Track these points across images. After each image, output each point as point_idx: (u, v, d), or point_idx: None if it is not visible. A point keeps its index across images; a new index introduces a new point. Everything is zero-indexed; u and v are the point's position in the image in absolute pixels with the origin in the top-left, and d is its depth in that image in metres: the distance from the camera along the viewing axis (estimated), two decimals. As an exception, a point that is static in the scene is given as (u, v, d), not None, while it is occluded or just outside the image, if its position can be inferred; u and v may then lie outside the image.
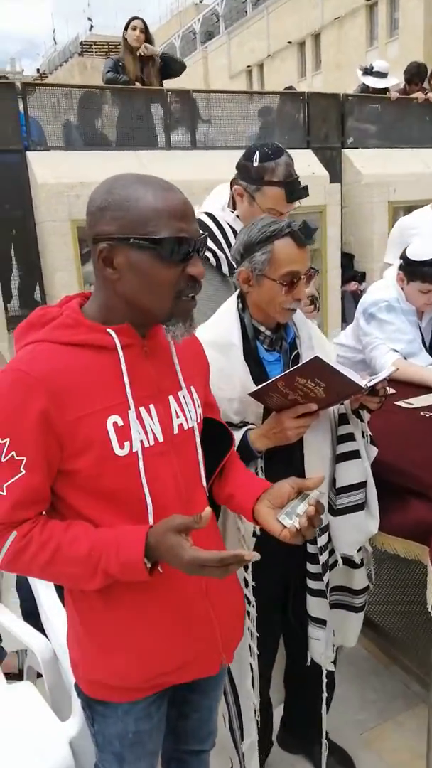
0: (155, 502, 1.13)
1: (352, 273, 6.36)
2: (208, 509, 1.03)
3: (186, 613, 1.20)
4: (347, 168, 6.48)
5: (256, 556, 1.04)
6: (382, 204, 6.18)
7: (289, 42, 25.64)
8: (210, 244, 2.02)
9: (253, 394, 1.44)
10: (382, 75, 6.67)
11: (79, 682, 1.27)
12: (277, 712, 2.01)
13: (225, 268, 2.05)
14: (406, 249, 2.51)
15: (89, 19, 35.60)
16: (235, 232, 2.06)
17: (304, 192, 1.99)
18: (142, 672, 1.19)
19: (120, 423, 1.10)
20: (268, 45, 26.71)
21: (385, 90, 6.74)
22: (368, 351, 2.54)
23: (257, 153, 1.96)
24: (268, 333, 1.57)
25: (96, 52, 31.28)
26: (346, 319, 6.07)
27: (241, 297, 1.60)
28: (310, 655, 1.72)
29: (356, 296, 5.76)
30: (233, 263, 1.58)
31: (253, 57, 27.84)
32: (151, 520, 1.12)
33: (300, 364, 1.34)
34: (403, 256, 2.49)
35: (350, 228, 6.46)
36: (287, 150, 2.02)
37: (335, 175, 6.34)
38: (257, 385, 1.45)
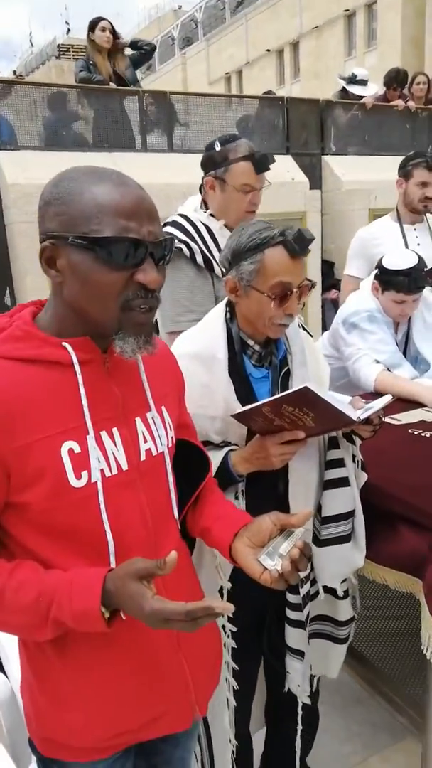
0: (118, 541, 0.98)
1: (333, 281, 6.28)
2: (173, 553, 0.88)
3: (154, 667, 1.06)
4: (327, 175, 6.42)
5: (230, 608, 0.90)
6: (363, 211, 6.11)
7: (268, 50, 25.74)
8: (183, 236, 2.04)
9: (237, 417, 1.31)
10: (363, 82, 6.65)
11: (33, 738, 1.12)
12: (258, 747, 1.87)
13: (199, 259, 2.05)
14: (381, 258, 2.46)
15: (66, 22, 35.60)
16: (209, 230, 2.07)
17: (269, 159, 2.05)
18: (103, 730, 1.05)
19: (77, 450, 0.95)
20: (247, 52, 26.78)
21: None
22: (351, 363, 2.46)
23: (217, 141, 2.08)
24: (256, 348, 1.43)
25: (73, 55, 31.08)
26: (326, 327, 5.98)
27: (230, 305, 1.46)
28: (287, 684, 1.60)
29: (336, 304, 5.68)
30: (221, 268, 1.46)
31: (232, 64, 27.90)
32: (112, 562, 0.98)
33: (288, 392, 1.21)
34: (379, 266, 2.46)
35: (331, 235, 6.39)
36: None
37: (315, 182, 6.27)
38: (242, 404, 1.32)
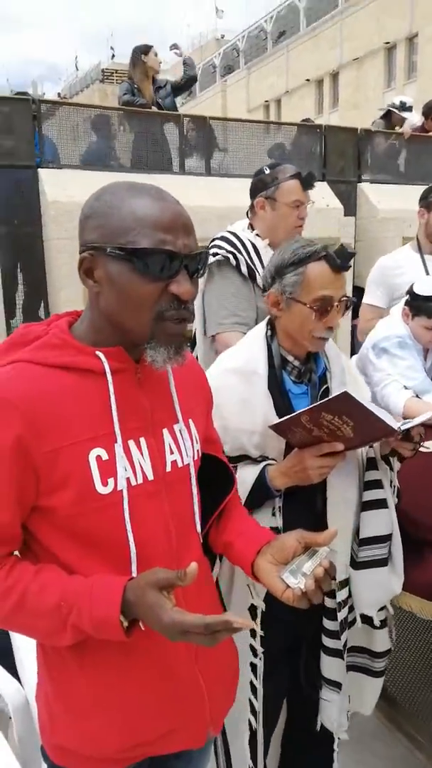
0: (140, 550, 0.99)
1: (364, 307, 6.29)
2: (193, 564, 0.88)
3: (171, 678, 1.06)
4: (363, 202, 6.45)
5: (250, 624, 0.89)
6: (396, 239, 6.11)
7: (308, 80, 26.11)
8: (229, 247, 2.22)
9: (275, 427, 1.33)
10: (410, 109, 6.81)
11: (46, 746, 1.12)
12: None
13: (244, 269, 2.20)
14: (413, 285, 2.47)
15: (111, 48, 36.65)
16: (254, 247, 2.23)
17: (313, 177, 2.31)
18: (117, 741, 1.04)
19: (105, 457, 0.97)
20: (287, 81, 27.20)
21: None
22: (380, 388, 2.44)
23: (265, 167, 2.32)
24: (296, 363, 1.46)
25: (117, 80, 31.95)
26: (356, 351, 5.96)
27: (270, 323, 1.49)
28: (321, 720, 1.56)
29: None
30: (263, 283, 1.49)
31: (272, 92, 28.35)
32: (133, 571, 0.98)
33: (327, 398, 1.22)
34: (410, 291, 2.46)
35: (364, 262, 6.38)
36: None
37: (350, 209, 6.30)
38: (280, 418, 1.32)
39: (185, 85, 5.68)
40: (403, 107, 6.83)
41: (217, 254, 2.19)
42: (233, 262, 2.21)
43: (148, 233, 0.93)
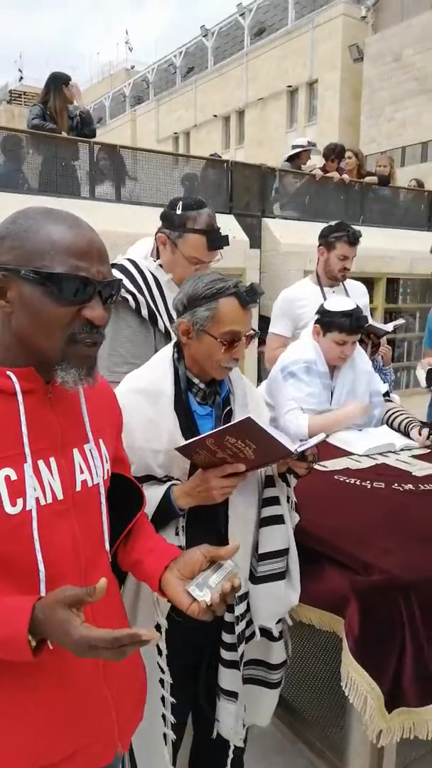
0: (49, 569, 1.00)
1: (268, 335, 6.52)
2: (103, 580, 0.90)
3: (78, 696, 1.06)
4: (267, 236, 6.72)
5: (156, 636, 0.92)
6: (298, 272, 6.41)
7: (215, 115, 26.90)
8: (130, 287, 2.03)
9: (181, 449, 1.37)
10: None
11: None
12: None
13: (144, 312, 2.03)
14: (322, 304, 2.64)
15: (20, 70, 36.22)
16: (156, 280, 2.08)
17: (224, 241, 2.05)
18: (21, 763, 1.03)
19: (13, 477, 0.97)
20: (195, 115, 27.89)
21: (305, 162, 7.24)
22: (282, 412, 2.57)
23: (181, 203, 2.06)
24: (201, 386, 1.51)
25: (25, 102, 31.51)
26: (261, 378, 6.15)
27: (177, 347, 1.54)
28: (217, 728, 1.60)
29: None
30: (160, 313, 1.54)
31: (180, 125, 28.94)
32: (42, 591, 0.99)
33: (231, 423, 1.29)
34: (320, 310, 2.61)
35: (268, 292, 6.61)
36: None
37: (255, 241, 6.55)
38: (186, 438, 1.38)
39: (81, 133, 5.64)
40: (312, 146, 7.33)
41: None
42: (132, 304, 2.03)
43: (63, 259, 0.96)
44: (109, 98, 34.90)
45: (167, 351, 1.57)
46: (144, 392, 1.45)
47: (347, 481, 2.08)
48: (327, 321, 2.54)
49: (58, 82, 5.26)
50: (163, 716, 1.50)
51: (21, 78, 35.50)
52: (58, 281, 0.95)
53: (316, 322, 2.61)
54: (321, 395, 2.59)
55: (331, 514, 1.80)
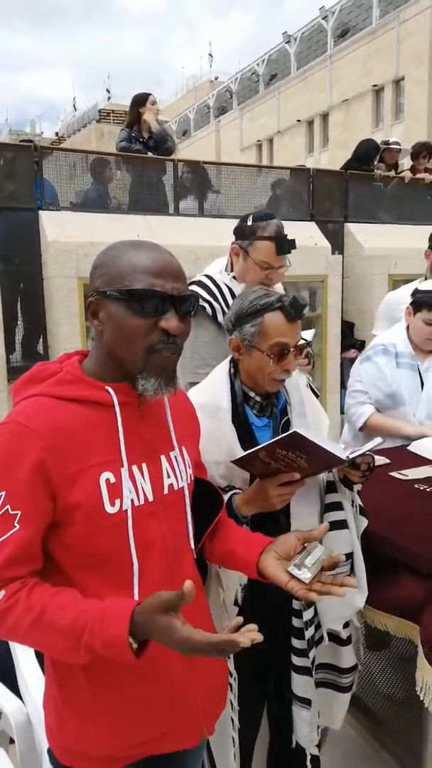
0: (141, 563, 1.11)
1: (352, 341, 6.47)
2: (188, 582, 0.97)
3: (168, 684, 1.17)
4: (349, 241, 6.68)
5: (258, 637, 0.97)
6: (383, 276, 6.33)
7: (299, 120, 26.86)
8: (207, 297, 2.25)
9: (236, 462, 1.44)
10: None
11: (53, 747, 1.23)
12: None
13: (221, 318, 2.21)
14: (416, 287, 2.63)
15: (107, 90, 37.83)
16: (231, 291, 2.26)
17: (291, 245, 2.19)
18: (118, 741, 1.15)
19: (112, 480, 1.10)
20: (278, 122, 27.96)
21: (394, 168, 7.10)
22: (347, 396, 2.61)
23: (251, 216, 2.26)
24: (258, 399, 1.58)
25: (113, 119, 32.78)
26: (344, 385, 6.11)
27: (233, 362, 1.62)
28: (295, 737, 1.64)
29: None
30: (226, 328, 1.62)
31: (264, 132, 29.10)
32: (135, 582, 1.10)
33: (279, 437, 1.34)
34: (413, 291, 2.61)
35: (351, 297, 6.60)
36: (290, 221, 2.21)
37: (337, 247, 6.53)
38: (245, 450, 1.44)
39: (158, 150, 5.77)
40: (398, 144, 7.17)
41: None
42: (209, 311, 2.24)
43: (142, 278, 1.09)
44: (193, 110, 35.67)
45: (224, 367, 1.64)
46: (204, 407, 1.51)
47: (428, 489, 2.08)
48: (417, 300, 2.53)
49: (137, 105, 5.50)
50: (231, 719, 1.55)
51: (109, 97, 37.04)
52: (137, 296, 1.08)
53: (410, 304, 2.60)
54: (396, 375, 2.53)
55: (409, 523, 1.81)
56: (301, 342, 1.51)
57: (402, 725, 2.15)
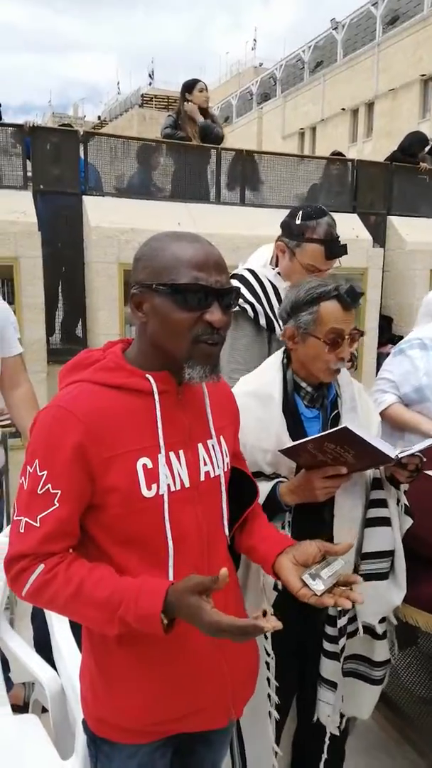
0: (176, 547, 1.15)
1: (389, 336, 6.39)
2: (224, 570, 1.02)
3: (198, 663, 1.21)
4: (392, 234, 6.59)
5: (278, 625, 1.02)
6: (424, 271, 6.24)
7: (343, 109, 26.42)
8: (249, 297, 2.10)
9: (284, 452, 1.46)
10: None
11: (87, 718, 1.28)
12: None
13: (262, 321, 2.11)
14: None
15: (150, 75, 37.74)
16: (275, 288, 2.14)
17: (342, 250, 2.07)
18: (150, 715, 1.20)
19: (149, 465, 1.14)
20: (322, 110, 27.54)
21: None
22: (374, 387, 2.58)
23: (300, 212, 2.08)
24: (309, 389, 1.59)
25: (156, 104, 32.79)
26: (379, 379, 6.05)
27: (287, 352, 1.64)
28: (317, 714, 1.68)
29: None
30: (279, 320, 1.63)
31: (307, 120, 28.70)
32: (170, 564, 1.14)
33: (330, 431, 1.36)
34: None
35: (391, 292, 6.52)
36: (331, 213, 2.10)
37: (379, 240, 6.45)
38: (293, 440, 1.47)
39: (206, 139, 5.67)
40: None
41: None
42: (251, 313, 2.09)
43: (186, 272, 1.11)
44: (236, 97, 35.38)
45: (277, 356, 1.66)
46: (254, 395, 1.55)
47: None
48: None
49: (184, 91, 5.45)
50: (269, 696, 1.61)
51: (150, 83, 36.99)
52: (182, 291, 1.10)
53: None
54: (430, 368, 2.46)
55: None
56: (355, 332, 1.51)
57: (426, 721, 2.16)
